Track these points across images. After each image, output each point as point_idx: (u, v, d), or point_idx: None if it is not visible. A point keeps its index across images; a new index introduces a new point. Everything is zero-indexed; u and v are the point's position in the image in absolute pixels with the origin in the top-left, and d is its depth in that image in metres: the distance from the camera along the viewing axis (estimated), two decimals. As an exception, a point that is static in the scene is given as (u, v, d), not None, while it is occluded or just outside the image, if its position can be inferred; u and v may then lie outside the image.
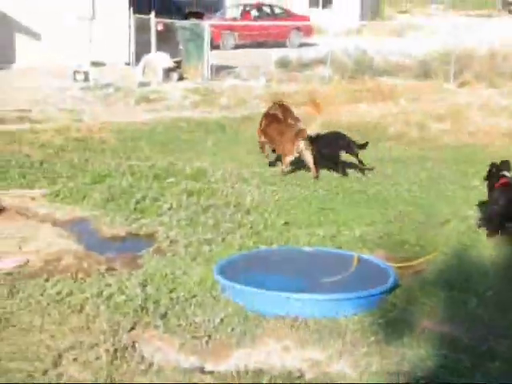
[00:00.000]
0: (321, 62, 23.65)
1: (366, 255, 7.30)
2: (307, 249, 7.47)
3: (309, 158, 10.75)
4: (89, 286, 6.56)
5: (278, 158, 11.46)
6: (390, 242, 7.97)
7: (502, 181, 8.47)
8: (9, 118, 15.03)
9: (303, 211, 9.04)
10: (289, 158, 10.87)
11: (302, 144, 10.71)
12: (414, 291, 6.65)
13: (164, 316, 6.06)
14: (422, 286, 6.78)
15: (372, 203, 9.50)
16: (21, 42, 22.91)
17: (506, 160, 8.81)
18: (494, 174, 8.67)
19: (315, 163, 10.76)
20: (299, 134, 10.78)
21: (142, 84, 20.18)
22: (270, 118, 11.61)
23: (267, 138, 11.49)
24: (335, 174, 10.88)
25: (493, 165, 8.78)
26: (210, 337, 5.80)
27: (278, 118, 11.50)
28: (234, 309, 6.20)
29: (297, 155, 10.81)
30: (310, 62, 24.47)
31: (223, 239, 7.88)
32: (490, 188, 8.65)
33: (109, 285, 6.58)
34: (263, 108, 16.76)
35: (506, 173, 8.56)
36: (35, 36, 22.98)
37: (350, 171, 11.01)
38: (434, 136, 14.19)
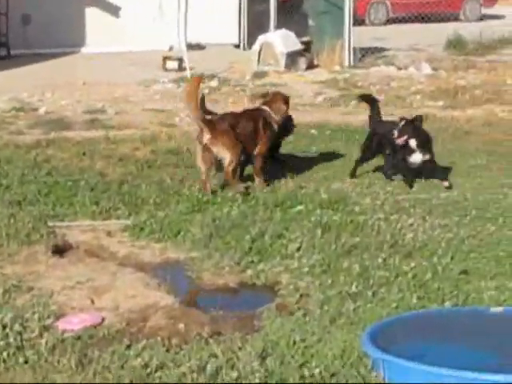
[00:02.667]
0: (510, 41, 23.40)
1: None
2: (495, 309, 7.32)
3: None
4: (187, 357, 6.58)
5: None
6: None
7: None
8: (78, 122, 15.43)
9: (488, 255, 8.89)
10: None
11: None
12: None
13: (293, 402, 6.06)
14: None
15: None
16: (92, 18, 23.39)
17: None
18: None
19: None
20: None
21: (258, 74, 20.36)
22: None
23: None
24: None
25: None
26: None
27: None
28: (392, 393, 6.15)
29: None
30: (495, 41, 24.25)
31: (374, 293, 7.81)
32: None
33: (214, 355, 6.59)
34: (429, 108, 16.72)
35: None
36: (112, 10, 23.40)
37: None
38: None
